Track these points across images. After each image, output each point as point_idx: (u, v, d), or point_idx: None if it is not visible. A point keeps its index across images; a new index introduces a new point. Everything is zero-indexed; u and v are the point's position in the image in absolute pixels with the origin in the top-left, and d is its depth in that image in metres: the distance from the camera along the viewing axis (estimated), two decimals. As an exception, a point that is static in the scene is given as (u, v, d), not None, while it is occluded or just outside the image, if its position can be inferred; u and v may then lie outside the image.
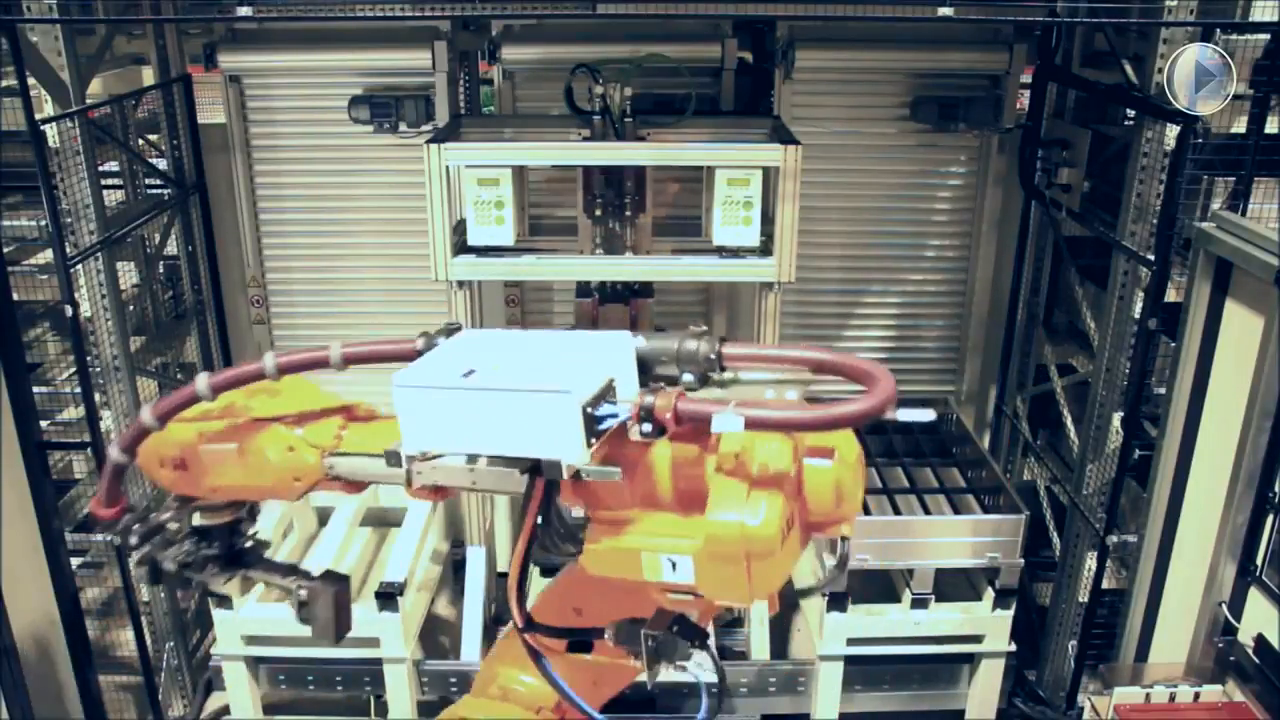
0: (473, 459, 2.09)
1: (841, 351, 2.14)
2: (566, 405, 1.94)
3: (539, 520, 2.15)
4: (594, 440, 1.99)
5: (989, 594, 4.92)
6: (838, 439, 2.23)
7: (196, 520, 2.49)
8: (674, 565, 2.05)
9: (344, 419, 2.36)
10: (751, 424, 1.99)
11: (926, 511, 5.01)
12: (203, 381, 2.23)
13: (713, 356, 2.12)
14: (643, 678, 2.32)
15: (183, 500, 2.46)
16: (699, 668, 2.39)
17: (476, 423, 2.02)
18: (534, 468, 2.04)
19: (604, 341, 2.22)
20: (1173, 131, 4.41)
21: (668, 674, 2.27)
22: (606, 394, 2.03)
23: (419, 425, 2.06)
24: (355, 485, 2.36)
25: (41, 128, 4.43)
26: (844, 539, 2.26)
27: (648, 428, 2.02)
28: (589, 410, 1.97)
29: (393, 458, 2.15)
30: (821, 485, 2.15)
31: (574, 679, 2.45)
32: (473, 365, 2.06)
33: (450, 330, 2.25)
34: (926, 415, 2.35)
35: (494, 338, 2.26)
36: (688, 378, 2.10)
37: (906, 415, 2.33)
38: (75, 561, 5.06)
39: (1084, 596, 5.23)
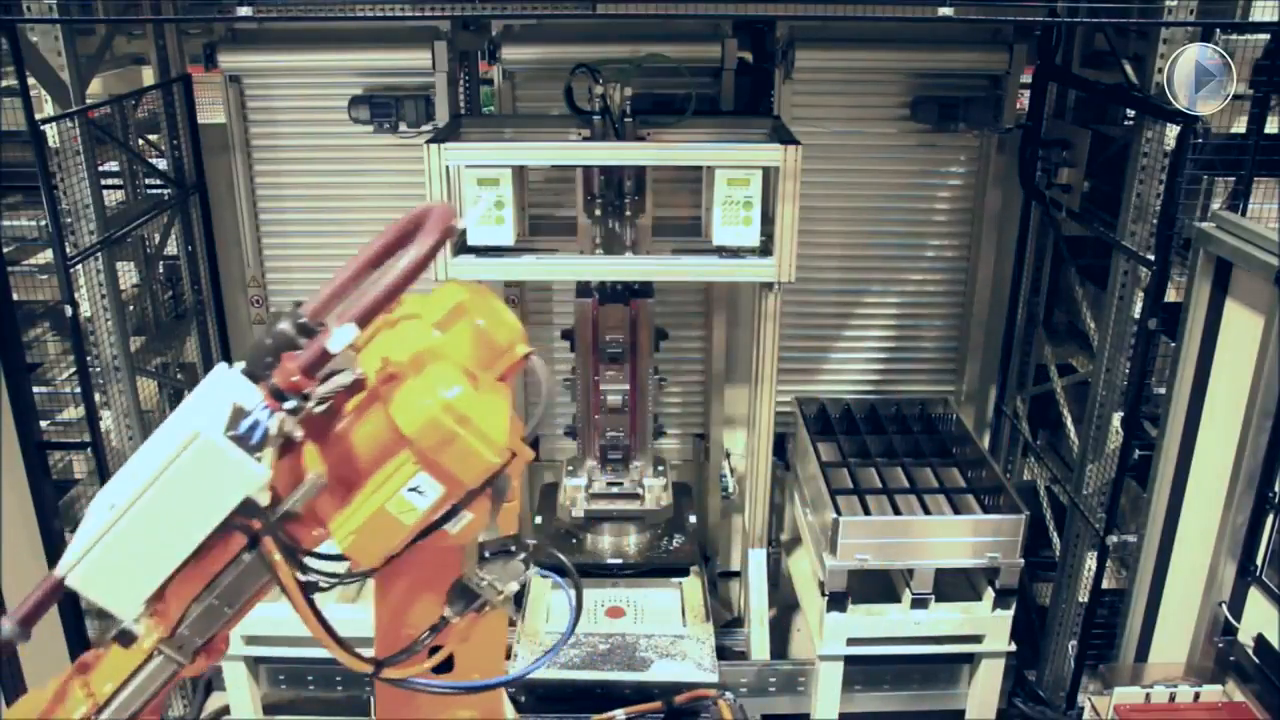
0: (209, 589, 2.07)
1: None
2: (209, 445, 1.91)
3: (296, 571, 2.11)
4: (259, 455, 1.96)
5: (989, 594, 4.92)
6: (455, 296, 2.26)
7: None
8: (417, 490, 2.03)
9: (80, 679, 2.28)
10: (361, 318, 2.02)
11: (926, 511, 5.01)
12: None
13: (301, 320, 2.11)
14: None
15: None
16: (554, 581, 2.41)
17: (153, 539, 1.96)
18: (251, 541, 2.03)
19: (206, 387, 2.19)
20: (1173, 131, 4.41)
21: (511, 586, 2.28)
22: (238, 416, 1.99)
23: (116, 590, 2.00)
24: (149, 714, 2.26)
25: (41, 128, 4.43)
26: (526, 356, 2.28)
27: (290, 404, 2.01)
28: (232, 434, 1.94)
29: (125, 636, 2.11)
30: (475, 330, 2.18)
31: (466, 669, 2.43)
32: (110, 504, 2.00)
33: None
34: (481, 208, 2.39)
35: (113, 480, 2.18)
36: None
37: (471, 218, 2.37)
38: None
39: (1084, 596, 5.23)
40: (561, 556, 2.53)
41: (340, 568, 2.28)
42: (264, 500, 1.99)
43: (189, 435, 1.91)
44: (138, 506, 1.94)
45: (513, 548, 2.32)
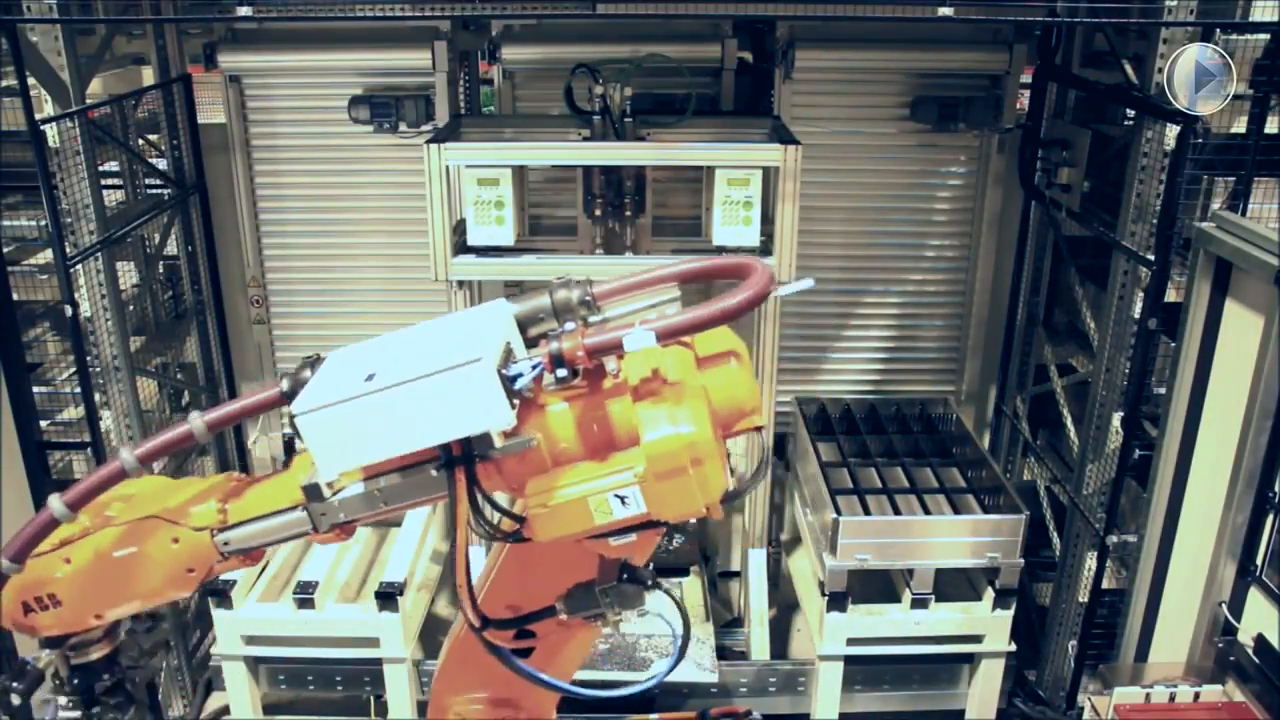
0: (374, 480, 2.12)
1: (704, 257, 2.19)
2: (482, 374, 1.96)
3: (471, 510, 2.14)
4: (515, 402, 2.01)
5: (989, 594, 4.92)
6: (726, 343, 2.29)
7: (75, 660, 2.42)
8: (622, 500, 2.06)
9: (219, 496, 2.32)
10: (663, 334, 2.04)
11: (926, 511, 5.01)
12: (56, 503, 2.14)
13: (587, 299, 2.18)
14: (607, 634, 2.33)
15: (57, 641, 2.38)
16: (658, 614, 2.43)
17: (392, 424, 2.00)
18: (448, 462, 2.06)
19: (481, 315, 2.24)
20: (1173, 131, 4.41)
21: (631, 624, 2.29)
22: (509, 356, 2.06)
23: (333, 447, 2.04)
24: (253, 557, 2.32)
25: (41, 128, 4.43)
26: (758, 429, 2.30)
27: (563, 372, 2.05)
28: (503, 373, 1.99)
29: (313, 490, 2.15)
30: (733, 385, 2.22)
31: (540, 664, 2.44)
32: (368, 372, 2.05)
33: (311, 362, 2.21)
34: (806, 283, 2.40)
35: (367, 348, 2.23)
36: (569, 327, 2.12)
37: (788, 289, 2.36)
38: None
39: (1084, 596, 5.23)
40: (676, 598, 2.51)
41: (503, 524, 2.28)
42: (498, 443, 2.04)
43: (472, 356, 1.96)
44: (395, 391, 1.98)
45: (648, 582, 2.33)
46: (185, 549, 2.27)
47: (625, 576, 2.31)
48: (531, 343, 2.18)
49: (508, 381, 1.99)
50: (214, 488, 2.35)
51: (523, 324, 2.19)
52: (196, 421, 2.18)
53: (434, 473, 2.10)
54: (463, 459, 2.07)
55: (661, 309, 2.17)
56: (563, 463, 2.13)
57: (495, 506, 2.21)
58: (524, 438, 2.08)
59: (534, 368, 2.03)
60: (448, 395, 1.97)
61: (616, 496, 2.06)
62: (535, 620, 2.37)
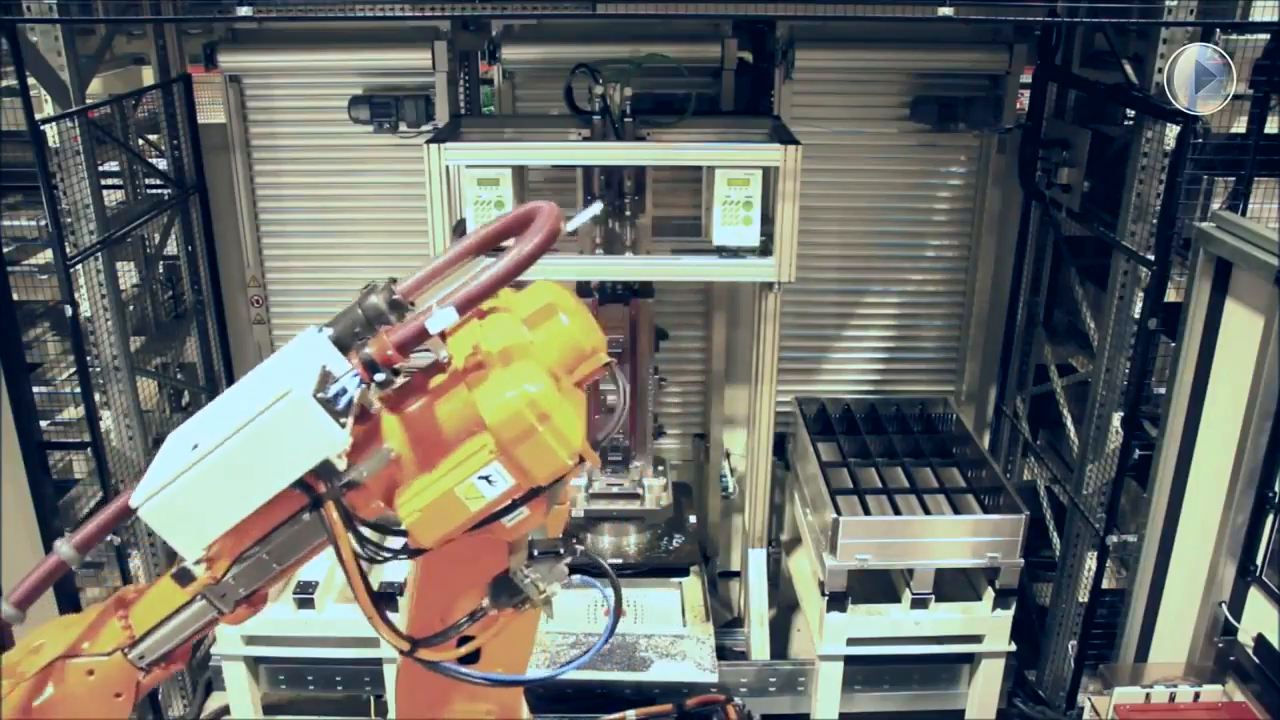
0: (261, 543, 2.11)
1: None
2: (297, 404, 1.95)
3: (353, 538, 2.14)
4: (344, 421, 2.00)
5: (989, 594, 4.92)
6: (547, 295, 2.30)
7: None
8: (488, 480, 2.06)
9: (120, 613, 2.30)
10: (462, 305, 2.05)
11: (926, 511, 5.01)
12: None
13: (395, 298, 2.17)
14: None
15: None
16: (586, 582, 2.45)
17: (230, 485, 1.99)
18: (315, 502, 2.05)
19: (295, 349, 2.22)
20: (1173, 131, 4.41)
21: (553, 588, 2.32)
22: (326, 380, 2.04)
23: (183, 528, 2.03)
24: (176, 659, 2.30)
25: (41, 128, 4.43)
26: (606, 365, 2.31)
27: (380, 377, 2.06)
28: (321, 396, 1.98)
29: (184, 576, 2.14)
30: (563, 332, 2.23)
31: (491, 663, 2.44)
32: (193, 443, 2.03)
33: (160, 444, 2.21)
34: (595, 208, 2.39)
35: (197, 417, 2.22)
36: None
37: (576, 221, 2.36)
38: (75, 561, 5.05)
39: (1084, 596, 5.23)
40: (604, 563, 2.55)
41: (390, 543, 2.30)
42: (341, 465, 2.03)
43: (281, 391, 1.94)
44: (221, 451, 1.97)
45: (560, 550, 2.34)
46: (103, 676, 2.25)
47: (535, 554, 2.31)
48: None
49: (329, 404, 1.98)
50: (113, 605, 2.32)
51: (342, 344, 2.16)
52: (64, 549, 2.19)
53: (306, 518, 2.09)
54: (328, 494, 2.05)
55: (461, 285, 2.15)
56: (430, 464, 2.13)
57: (375, 528, 2.20)
58: (381, 452, 2.08)
59: (354, 380, 2.03)
60: (271, 437, 1.96)
61: (481, 478, 2.06)
62: (463, 626, 2.36)
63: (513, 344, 2.14)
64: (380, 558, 2.23)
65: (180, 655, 2.31)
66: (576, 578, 2.46)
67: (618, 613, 2.51)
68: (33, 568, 2.23)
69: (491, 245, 2.26)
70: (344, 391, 2.01)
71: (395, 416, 2.17)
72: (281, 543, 2.14)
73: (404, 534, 2.19)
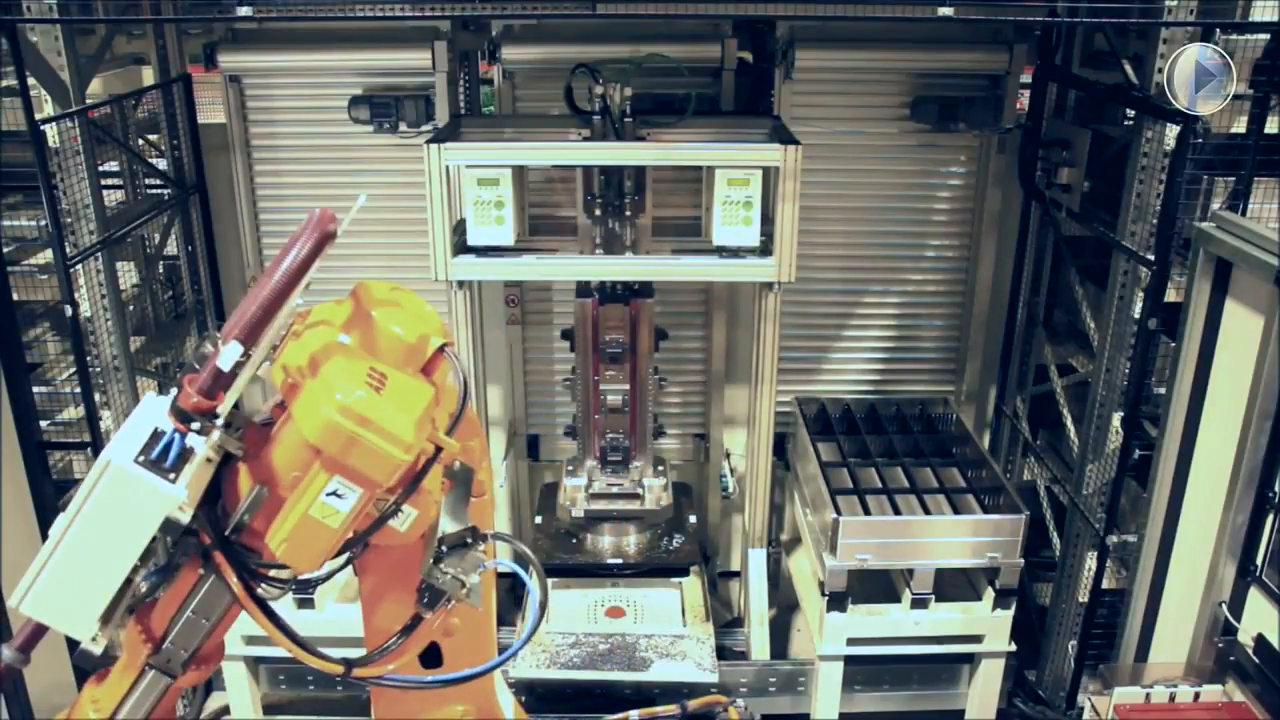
0: (184, 608, 2.19)
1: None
2: (118, 472, 1.99)
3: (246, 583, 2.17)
4: (175, 475, 2.01)
5: (989, 594, 4.92)
6: (361, 295, 2.30)
7: None
8: (337, 495, 2.06)
9: (90, 700, 2.35)
10: (243, 333, 2.05)
11: (926, 511, 5.01)
12: None
13: (217, 340, 2.14)
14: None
15: None
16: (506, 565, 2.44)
17: (90, 564, 2.03)
18: (204, 553, 2.10)
19: (137, 416, 2.22)
20: (1173, 131, 4.41)
21: (472, 577, 2.31)
22: (154, 439, 2.05)
23: (64, 614, 2.08)
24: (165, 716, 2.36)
25: (41, 128, 4.43)
26: (445, 346, 2.29)
27: (197, 424, 2.05)
28: (144, 459, 2.00)
29: (85, 657, 2.17)
30: (382, 324, 2.21)
31: (454, 663, 2.47)
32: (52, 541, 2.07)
33: None
34: (360, 200, 2.37)
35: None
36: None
37: (349, 216, 2.34)
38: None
39: (1084, 596, 5.23)
40: (521, 545, 2.54)
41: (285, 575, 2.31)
42: (184, 518, 2.04)
43: (101, 464, 1.99)
44: (69, 535, 2.02)
45: (469, 539, 2.32)
46: None
47: (445, 548, 2.31)
48: None
49: (155, 463, 1.99)
50: (81, 699, 2.38)
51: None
52: (6, 653, 2.24)
53: (201, 571, 2.14)
54: (216, 544, 2.09)
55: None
56: (290, 494, 2.14)
57: (257, 566, 2.20)
58: (253, 494, 2.10)
59: (174, 434, 2.03)
60: (109, 509, 1.99)
61: (329, 495, 2.05)
62: (404, 635, 2.38)
63: (317, 349, 2.12)
64: (286, 591, 2.26)
65: (165, 712, 2.37)
66: (497, 562, 2.45)
67: (544, 600, 2.53)
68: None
69: (295, 278, 2.17)
70: (171, 446, 2.02)
71: (244, 464, 2.17)
72: (200, 600, 2.20)
73: (279, 567, 2.20)
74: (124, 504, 1.99)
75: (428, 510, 2.21)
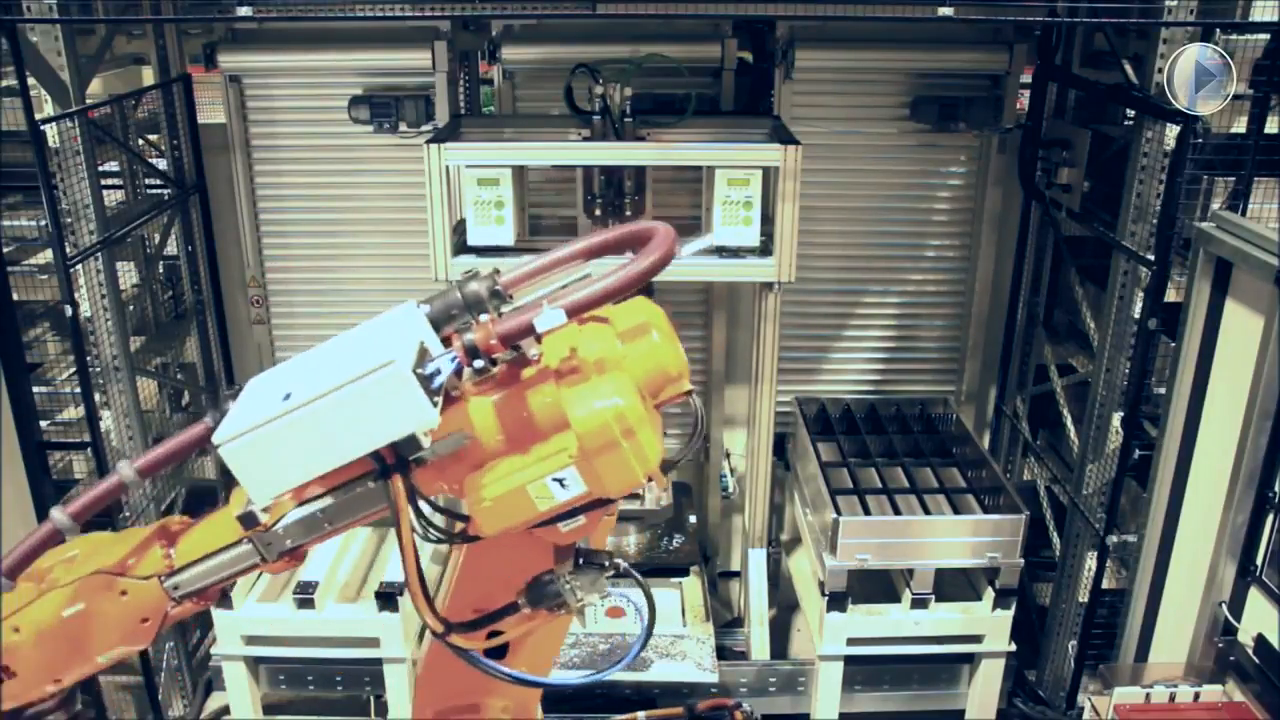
0: (318, 500, 2.11)
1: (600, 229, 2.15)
2: (397, 376, 1.95)
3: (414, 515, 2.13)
4: (436, 399, 2.01)
5: (989, 594, 4.92)
6: (644, 314, 2.29)
7: None
8: (561, 483, 2.07)
9: (161, 541, 2.30)
10: (571, 309, 2.06)
11: (926, 511, 5.01)
12: None
13: (496, 288, 2.17)
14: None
15: (13, 715, 2.35)
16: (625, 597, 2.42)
17: (315, 440, 1.99)
18: (384, 471, 2.05)
19: (393, 319, 2.23)
20: (1173, 131, 4.41)
21: (591, 599, 2.32)
22: (424, 356, 2.05)
23: (260, 473, 2.02)
24: (207, 597, 2.31)
25: (41, 128, 4.43)
26: (687, 393, 2.31)
27: (480, 363, 2.07)
28: (419, 372, 1.98)
29: (249, 519, 2.13)
30: (655, 353, 2.22)
31: (514, 661, 2.45)
32: (285, 392, 2.03)
33: (237, 392, 2.20)
34: (708, 239, 2.40)
35: (284, 369, 2.22)
36: (483, 319, 2.13)
37: (691, 248, 2.35)
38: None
39: (1084, 596, 5.23)
40: (640, 578, 2.54)
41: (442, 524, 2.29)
42: (425, 441, 2.03)
43: (383, 360, 1.94)
44: (314, 407, 1.96)
45: (605, 564, 2.35)
46: (135, 600, 2.24)
47: (582, 561, 2.31)
48: (446, 341, 2.17)
49: (425, 380, 1.98)
50: (157, 533, 2.32)
51: (436, 323, 2.18)
52: (126, 470, 2.18)
53: (371, 485, 2.09)
54: (397, 466, 2.05)
55: (572, 289, 2.15)
56: (499, 455, 2.14)
57: (437, 508, 2.20)
58: (456, 435, 2.07)
59: (451, 362, 2.03)
60: (366, 403, 1.96)
61: (555, 480, 2.07)
62: (498, 619, 2.35)
63: (607, 355, 2.16)
64: (431, 537, 2.22)
65: (211, 594, 2.31)
66: (623, 596, 2.46)
67: (648, 631, 2.54)
68: (25, 535, 2.22)
69: (596, 255, 2.26)
70: (439, 371, 2.02)
71: (488, 399, 2.15)
72: (340, 504, 2.13)
73: (462, 517, 2.19)
74: (385, 406, 1.96)
75: (593, 524, 2.24)
